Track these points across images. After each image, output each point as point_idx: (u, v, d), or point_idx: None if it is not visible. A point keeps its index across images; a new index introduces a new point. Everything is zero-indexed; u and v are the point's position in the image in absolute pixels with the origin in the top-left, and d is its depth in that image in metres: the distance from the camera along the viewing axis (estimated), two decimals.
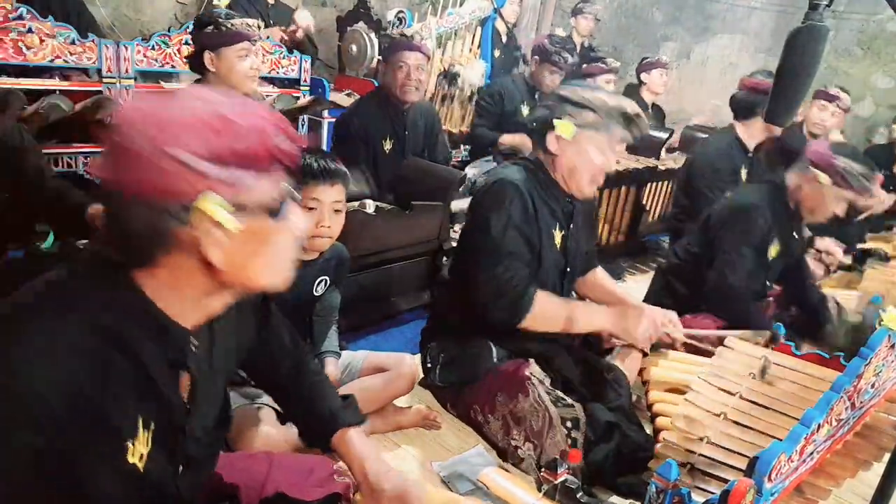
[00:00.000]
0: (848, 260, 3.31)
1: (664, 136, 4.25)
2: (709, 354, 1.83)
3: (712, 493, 1.28)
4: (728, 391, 1.58)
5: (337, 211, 1.76)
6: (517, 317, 1.80)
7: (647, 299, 2.57)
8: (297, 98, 3.54)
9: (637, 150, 3.77)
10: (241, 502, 1.21)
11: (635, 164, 3.71)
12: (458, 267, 2.01)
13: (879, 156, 3.85)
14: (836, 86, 3.71)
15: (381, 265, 2.71)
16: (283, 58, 3.47)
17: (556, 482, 1.50)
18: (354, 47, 4.26)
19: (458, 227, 3.34)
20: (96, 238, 0.94)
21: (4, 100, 2.24)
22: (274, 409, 1.65)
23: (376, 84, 3.76)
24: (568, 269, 2.01)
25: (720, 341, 1.85)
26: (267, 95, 3.23)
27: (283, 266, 0.90)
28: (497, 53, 5.00)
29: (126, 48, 2.87)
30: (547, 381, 1.83)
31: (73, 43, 2.73)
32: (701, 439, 1.44)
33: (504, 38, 5.06)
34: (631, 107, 1.80)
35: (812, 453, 1.28)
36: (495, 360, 1.91)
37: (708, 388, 1.60)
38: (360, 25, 4.31)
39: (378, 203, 2.70)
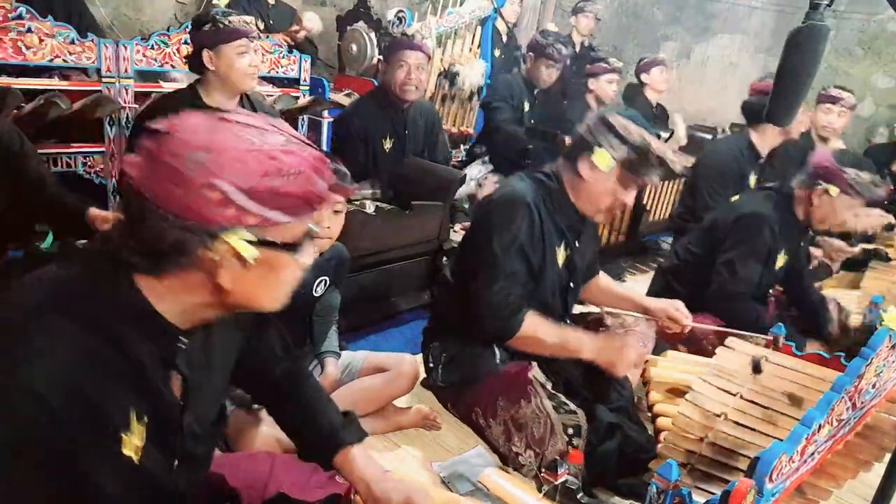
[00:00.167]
0: (857, 249, 3.28)
1: (665, 135, 4.24)
2: (709, 354, 1.83)
3: (713, 493, 1.27)
4: (729, 391, 1.59)
5: (337, 211, 1.76)
6: (506, 335, 1.82)
7: None
8: (297, 98, 3.53)
9: None
10: (242, 503, 1.21)
11: None
12: (459, 268, 2.01)
13: (880, 155, 3.85)
14: (835, 86, 3.71)
15: (380, 265, 2.71)
16: (283, 57, 3.46)
17: (556, 483, 1.50)
18: (354, 47, 4.26)
19: (458, 227, 3.35)
20: (96, 238, 0.94)
21: (2, 99, 2.23)
22: None
23: (376, 83, 3.76)
24: (571, 285, 1.99)
25: (721, 341, 1.85)
26: (267, 95, 3.22)
27: (285, 294, 0.92)
28: (497, 53, 4.99)
29: (125, 48, 2.86)
30: (549, 385, 1.82)
31: (72, 42, 2.72)
32: (701, 440, 1.44)
33: (504, 38, 5.05)
34: (670, 155, 1.76)
35: (813, 454, 1.28)
36: (498, 361, 1.90)
37: (708, 388, 1.60)
38: (360, 25, 4.31)
39: (378, 203, 2.70)
